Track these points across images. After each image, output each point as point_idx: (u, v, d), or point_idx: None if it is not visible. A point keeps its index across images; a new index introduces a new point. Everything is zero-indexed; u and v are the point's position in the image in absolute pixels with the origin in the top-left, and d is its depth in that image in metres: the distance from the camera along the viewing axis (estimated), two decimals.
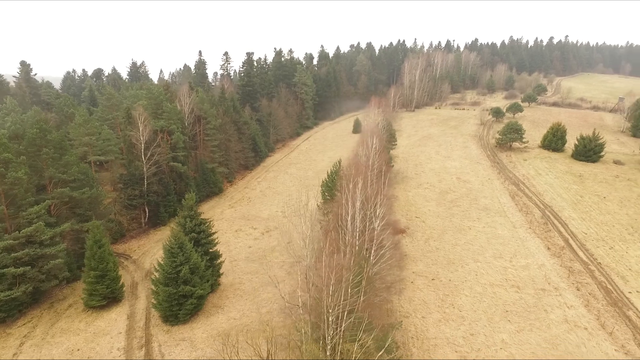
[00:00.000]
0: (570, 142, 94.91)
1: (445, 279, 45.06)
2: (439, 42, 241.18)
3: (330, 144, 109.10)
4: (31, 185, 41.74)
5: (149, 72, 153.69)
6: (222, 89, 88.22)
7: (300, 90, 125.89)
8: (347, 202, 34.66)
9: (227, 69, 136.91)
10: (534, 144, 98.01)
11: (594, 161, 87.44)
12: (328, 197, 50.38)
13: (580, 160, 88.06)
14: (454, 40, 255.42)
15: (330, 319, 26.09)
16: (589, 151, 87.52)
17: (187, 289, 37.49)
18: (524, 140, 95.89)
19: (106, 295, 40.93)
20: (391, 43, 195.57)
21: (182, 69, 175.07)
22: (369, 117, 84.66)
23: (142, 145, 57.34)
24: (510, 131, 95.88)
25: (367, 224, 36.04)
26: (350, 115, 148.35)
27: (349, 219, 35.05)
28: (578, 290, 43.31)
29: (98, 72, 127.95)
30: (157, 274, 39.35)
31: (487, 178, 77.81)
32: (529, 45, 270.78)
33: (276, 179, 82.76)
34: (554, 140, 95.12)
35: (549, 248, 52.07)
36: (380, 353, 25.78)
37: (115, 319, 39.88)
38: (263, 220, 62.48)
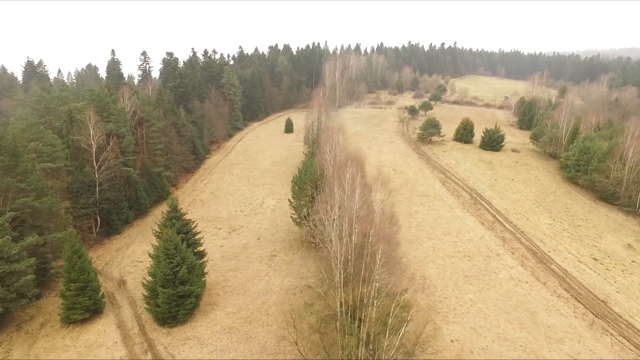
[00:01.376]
0: (477, 135, 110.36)
1: (411, 256, 51.30)
2: (349, 45, 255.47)
3: (265, 144, 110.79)
4: None
5: (48, 72, 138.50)
6: (161, 91, 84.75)
7: (229, 92, 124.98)
8: (341, 189, 38.09)
9: (147, 69, 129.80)
10: (448, 138, 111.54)
11: (497, 150, 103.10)
12: (300, 192, 53.09)
13: (487, 150, 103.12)
14: (360, 44, 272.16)
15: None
16: (493, 142, 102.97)
17: (187, 289, 37.72)
18: (441, 134, 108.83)
19: (89, 307, 38.85)
20: (307, 45, 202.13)
21: (85, 68, 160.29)
22: (312, 115, 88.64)
23: (94, 150, 53.90)
24: (430, 127, 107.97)
25: (356, 211, 40.03)
26: (277, 116, 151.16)
27: (337, 207, 38.62)
28: (513, 254, 52.81)
29: None
30: (150, 278, 38.72)
31: (419, 168, 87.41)
32: (424, 50, 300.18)
33: (222, 180, 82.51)
34: (464, 134, 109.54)
35: (482, 223, 61.76)
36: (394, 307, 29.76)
37: (103, 330, 38.20)
38: (225, 221, 62.82)
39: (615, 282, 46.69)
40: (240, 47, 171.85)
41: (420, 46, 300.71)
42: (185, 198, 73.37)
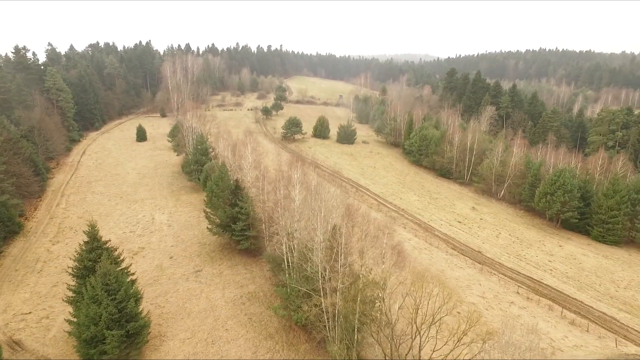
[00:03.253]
0: (332, 131, 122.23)
1: None
2: (179, 45, 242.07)
3: (119, 155, 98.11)
4: None
5: None
6: None
7: (57, 97, 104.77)
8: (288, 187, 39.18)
9: None
10: (307, 135, 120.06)
11: (352, 143, 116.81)
12: (218, 202, 50.87)
13: (344, 144, 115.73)
14: (189, 44, 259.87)
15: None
16: (348, 136, 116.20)
17: (138, 325, 32.89)
18: (303, 132, 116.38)
19: None
20: (136, 44, 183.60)
21: None
22: (188, 120, 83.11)
23: None
24: (292, 125, 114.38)
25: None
26: (117, 123, 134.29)
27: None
28: (405, 228, 62.70)
29: None
30: (79, 326, 32.06)
31: (295, 166, 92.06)
32: (253, 52, 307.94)
33: (87, 201, 70.35)
34: (322, 130, 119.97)
35: (371, 207, 70.59)
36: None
37: None
38: (119, 245, 54.42)
39: (478, 236, 60.97)
40: (49, 44, 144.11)
41: (248, 47, 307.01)
42: (46, 228, 60.16)
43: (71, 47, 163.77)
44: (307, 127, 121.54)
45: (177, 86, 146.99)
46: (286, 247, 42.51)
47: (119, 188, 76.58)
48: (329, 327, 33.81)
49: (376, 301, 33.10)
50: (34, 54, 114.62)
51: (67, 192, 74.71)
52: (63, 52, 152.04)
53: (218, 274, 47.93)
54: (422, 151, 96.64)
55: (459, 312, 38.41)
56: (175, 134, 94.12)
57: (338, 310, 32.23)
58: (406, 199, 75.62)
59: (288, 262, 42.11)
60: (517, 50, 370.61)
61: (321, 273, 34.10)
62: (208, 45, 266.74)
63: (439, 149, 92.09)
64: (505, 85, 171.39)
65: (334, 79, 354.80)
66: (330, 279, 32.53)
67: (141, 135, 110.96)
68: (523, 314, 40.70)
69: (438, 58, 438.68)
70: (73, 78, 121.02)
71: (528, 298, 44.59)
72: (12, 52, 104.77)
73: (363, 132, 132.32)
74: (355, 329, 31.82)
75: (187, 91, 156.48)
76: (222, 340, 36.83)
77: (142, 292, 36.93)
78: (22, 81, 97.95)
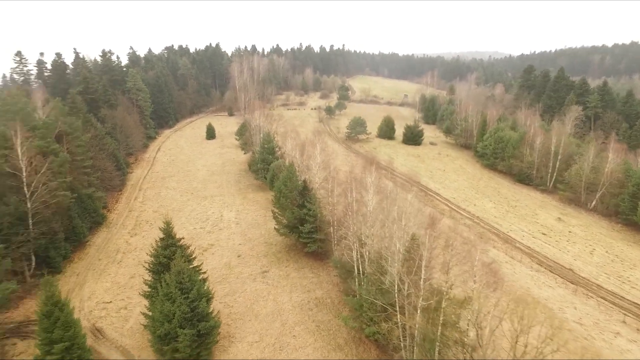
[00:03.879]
0: (397, 131, 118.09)
1: None
2: (245, 46, 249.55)
3: (191, 152, 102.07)
4: None
5: None
6: (74, 98, 71.14)
7: (136, 97, 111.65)
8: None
9: (25, 73, 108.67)
10: (372, 135, 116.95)
11: (418, 144, 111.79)
12: (286, 202, 50.04)
13: (410, 145, 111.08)
14: (255, 45, 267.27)
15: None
16: (415, 136, 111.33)
17: (209, 325, 32.62)
18: (367, 132, 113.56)
19: None
20: (207, 46, 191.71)
21: None
22: (255, 119, 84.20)
23: (25, 174, 42.94)
24: (357, 125, 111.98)
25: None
26: (188, 122, 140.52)
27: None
28: (481, 238, 57.67)
29: None
30: (155, 320, 32.35)
31: (362, 166, 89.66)
32: (316, 52, 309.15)
33: (161, 196, 73.47)
34: (387, 130, 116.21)
35: (442, 213, 66.21)
36: None
37: None
38: (189, 241, 55.56)
39: (567, 251, 54.47)
40: (131, 47, 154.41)
41: (311, 47, 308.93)
42: (125, 221, 63.43)
43: (149, 50, 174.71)
44: (371, 127, 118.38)
45: (244, 86, 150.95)
46: (356, 254, 40.43)
47: (189, 184, 79.23)
48: (405, 346, 31.15)
49: (463, 323, 29.92)
50: (117, 57, 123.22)
51: (144, 187, 78.68)
52: (142, 55, 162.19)
53: (285, 276, 47.00)
54: (498, 154, 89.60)
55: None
56: (242, 132, 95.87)
57: (418, 329, 29.45)
58: (481, 206, 70.11)
59: (358, 269, 40.01)
60: (603, 45, 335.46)
61: (398, 286, 31.52)
62: (273, 46, 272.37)
63: (517, 152, 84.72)
64: (592, 83, 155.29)
65: (396, 78, 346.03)
66: (409, 294, 29.82)
67: (210, 133, 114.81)
68: (633, 349, 34.97)
69: (510, 55, 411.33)
70: (151, 79, 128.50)
71: (638, 329, 38.41)
72: (99, 56, 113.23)
73: (430, 132, 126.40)
74: (437, 351, 28.88)
75: (254, 91, 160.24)
76: (290, 347, 35.58)
77: (212, 291, 36.79)
78: (107, 82, 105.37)
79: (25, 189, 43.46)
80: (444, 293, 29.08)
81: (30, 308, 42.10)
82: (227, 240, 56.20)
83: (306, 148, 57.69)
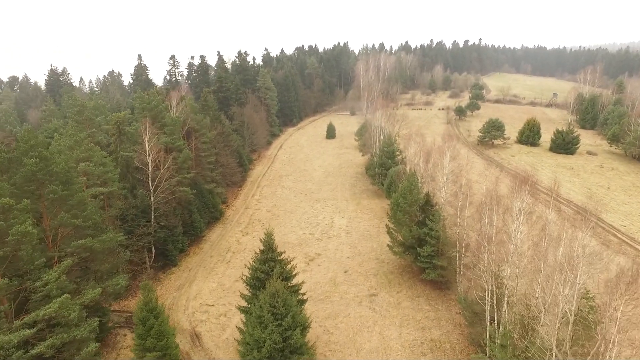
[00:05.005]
0: (543, 136, 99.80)
1: None
2: (373, 44, 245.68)
3: (309, 151, 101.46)
4: (38, 242, 28.54)
5: (72, 81, 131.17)
6: (206, 96, 75.73)
7: (264, 96, 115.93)
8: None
9: (175, 75, 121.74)
10: (510, 140, 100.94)
11: (571, 153, 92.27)
12: (404, 217, 43.23)
13: (559, 153, 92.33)
14: (383, 42, 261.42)
15: None
16: (568, 144, 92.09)
17: (302, 359, 28.17)
18: (505, 136, 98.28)
19: None
20: (334, 45, 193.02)
21: (107, 76, 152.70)
22: (377, 119, 78.82)
23: (150, 168, 44.80)
24: (492, 128, 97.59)
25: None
26: (310, 120, 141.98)
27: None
28: None
29: (13, 81, 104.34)
30: (246, 343, 29.09)
31: (496, 177, 76.90)
32: (447, 47, 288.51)
33: (276, 195, 73.15)
34: (531, 135, 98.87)
35: (608, 246, 51.24)
36: None
37: None
38: (296, 247, 53.16)
39: None
40: (265, 49, 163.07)
41: (443, 44, 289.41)
42: (240, 218, 64.11)
43: (282, 50, 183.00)
44: (509, 131, 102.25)
45: (368, 84, 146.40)
46: (490, 295, 31.69)
47: (304, 185, 77.57)
48: None
49: None
50: (253, 58, 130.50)
51: (262, 184, 79.76)
52: (275, 55, 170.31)
53: (395, 304, 40.33)
54: None
55: None
56: (362, 132, 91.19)
57: None
58: None
59: (492, 317, 31.24)
60: None
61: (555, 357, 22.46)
62: (401, 43, 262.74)
63: None
64: None
65: (542, 75, 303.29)
66: None
67: (331, 133, 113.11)
68: None
69: None
70: (279, 78, 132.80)
71: None
72: (235, 57, 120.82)
73: (587, 139, 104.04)
74: None
75: (378, 89, 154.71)
76: None
77: (310, 316, 32.32)
78: (240, 81, 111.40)
79: (150, 183, 45.26)
80: None
81: None
82: (335, 251, 51.76)
83: (432, 155, 49.63)
